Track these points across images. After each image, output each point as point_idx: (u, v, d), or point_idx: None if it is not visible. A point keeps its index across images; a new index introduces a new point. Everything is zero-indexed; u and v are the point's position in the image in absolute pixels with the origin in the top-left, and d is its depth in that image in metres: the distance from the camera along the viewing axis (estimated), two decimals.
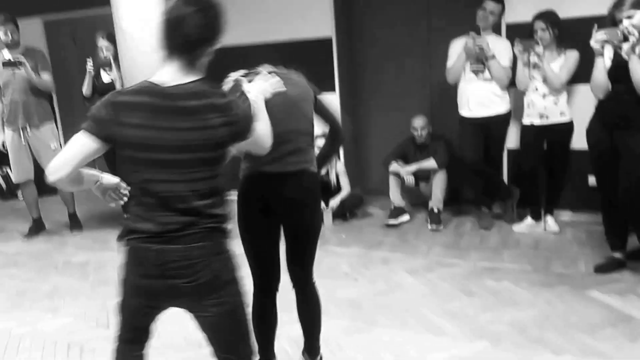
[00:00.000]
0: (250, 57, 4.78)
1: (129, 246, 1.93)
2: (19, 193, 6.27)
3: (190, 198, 1.89)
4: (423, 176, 5.25)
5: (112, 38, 4.71)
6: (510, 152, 5.04)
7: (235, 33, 5.62)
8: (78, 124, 1.91)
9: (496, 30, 4.82)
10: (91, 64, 5.15)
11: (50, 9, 6.53)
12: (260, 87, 2.37)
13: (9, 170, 6.20)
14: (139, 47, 4.50)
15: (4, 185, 6.77)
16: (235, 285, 2.02)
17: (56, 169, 1.84)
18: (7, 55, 4.95)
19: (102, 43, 5.07)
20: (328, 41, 5.40)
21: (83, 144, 1.84)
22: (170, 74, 1.90)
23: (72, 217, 5.49)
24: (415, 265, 4.20)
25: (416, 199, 5.37)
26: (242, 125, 1.98)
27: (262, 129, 2.13)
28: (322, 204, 5.06)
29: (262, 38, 5.55)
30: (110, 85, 4.96)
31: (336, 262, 4.37)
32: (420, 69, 5.57)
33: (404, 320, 3.43)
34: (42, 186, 5.01)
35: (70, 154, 1.84)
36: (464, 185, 5.33)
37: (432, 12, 5.43)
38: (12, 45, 5.02)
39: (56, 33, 6.88)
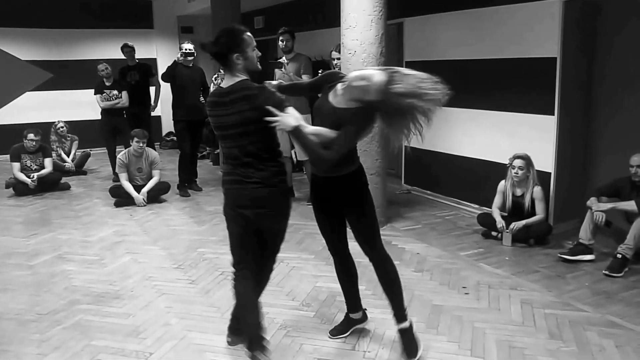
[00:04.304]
0: (474, 70, 5.84)
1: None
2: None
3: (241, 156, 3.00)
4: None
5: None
6: None
7: (466, 49, 6.15)
8: None
9: None
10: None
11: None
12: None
13: None
14: (352, 59, 5.53)
15: None
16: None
17: None
18: (282, 59, 6.50)
19: (334, 55, 6.17)
20: (552, 61, 5.34)
21: None
22: (226, 79, 3.05)
23: None
24: (536, 299, 4.16)
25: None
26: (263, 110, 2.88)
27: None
28: (503, 224, 5.23)
29: (488, 55, 5.98)
30: None
31: (470, 276, 4.61)
32: None
33: (454, 331, 3.68)
34: None
35: None
36: None
37: None
38: (287, 51, 6.55)
39: None
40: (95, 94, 8.36)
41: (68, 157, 9.08)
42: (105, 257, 5.18)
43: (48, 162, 7.88)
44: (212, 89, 7.55)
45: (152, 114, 9.63)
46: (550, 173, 5.55)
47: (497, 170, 5.81)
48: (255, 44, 3.11)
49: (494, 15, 5.93)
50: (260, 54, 3.12)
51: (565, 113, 5.45)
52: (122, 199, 6.96)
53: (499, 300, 4.14)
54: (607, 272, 4.59)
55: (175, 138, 11.27)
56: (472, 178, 6.44)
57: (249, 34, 3.07)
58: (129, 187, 6.94)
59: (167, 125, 11.31)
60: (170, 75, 7.30)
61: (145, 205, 6.92)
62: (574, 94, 5.49)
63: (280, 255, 3.36)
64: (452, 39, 6.52)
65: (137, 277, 4.68)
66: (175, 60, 7.35)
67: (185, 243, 5.54)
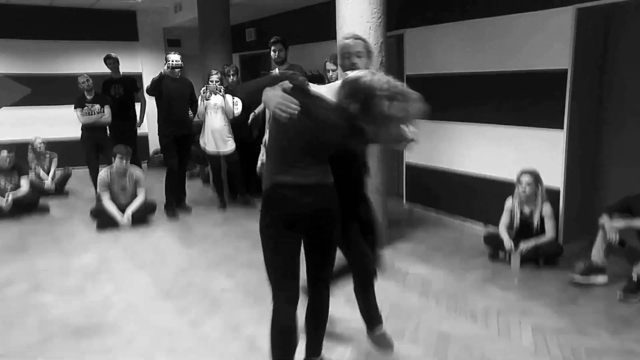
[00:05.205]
0: (479, 84, 5.96)
1: None
2: None
3: None
4: None
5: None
6: None
7: (470, 61, 6.03)
8: None
9: None
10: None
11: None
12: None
13: None
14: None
15: None
16: None
17: None
18: (275, 70, 6.39)
19: (329, 66, 6.01)
20: (562, 73, 5.24)
21: None
22: None
23: None
24: (548, 325, 4.03)
25: None
26: None
27: None
28: (511, 245, 5.10)
29: (494, 67, 5.88)
30: None
31: (478, 300, 4.48)
32: None
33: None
34: None
35: None
36: None
37: None
38: (279, 62, 6.44)
39: None
40: (75, 109, 8.04)
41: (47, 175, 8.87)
42: (85, 286, 4.98)
43: (24, 181, 7.63)
44: (200, 102, 7.40)
45: (138, 131, 9.46)
46: (559, 190, 5.43)
47: (504, 188, 5.69)
48: None
49: (500, 25, 5.82)
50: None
51: (576, 127, 5.35)
52: (104, 220, 6.77)
53: (509, 327, 4.01)
54: (621, 297, 4.45)
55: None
56: (478, 196, 6.32)
57: None
58: (112, 208, 6.76)
59: (155, 143, 11.06)
60: (156, 88, 7.12)
61: (130, 227, 6.74)
62: (584, 107, 5.40)
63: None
64: (455, 51, 6.39)
65: (120, 308, 4.49)
66: (161, 73, 7.17)
67: (173, 269, 5.36)
